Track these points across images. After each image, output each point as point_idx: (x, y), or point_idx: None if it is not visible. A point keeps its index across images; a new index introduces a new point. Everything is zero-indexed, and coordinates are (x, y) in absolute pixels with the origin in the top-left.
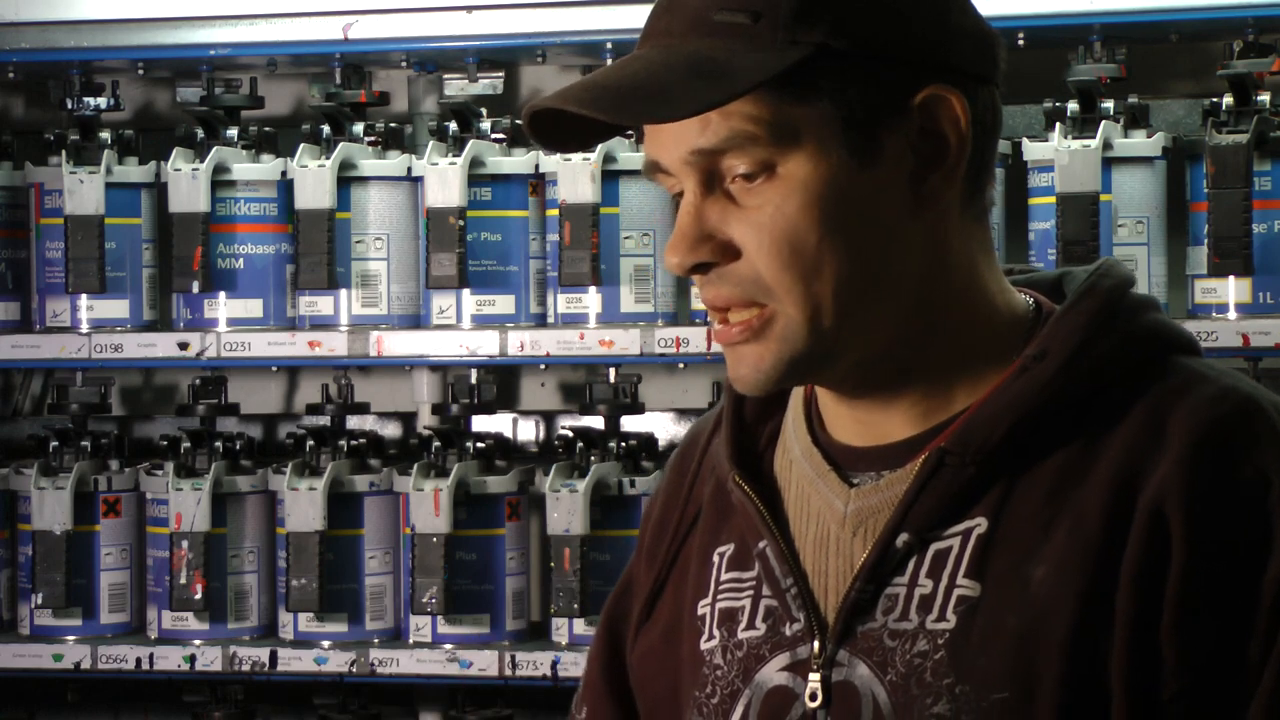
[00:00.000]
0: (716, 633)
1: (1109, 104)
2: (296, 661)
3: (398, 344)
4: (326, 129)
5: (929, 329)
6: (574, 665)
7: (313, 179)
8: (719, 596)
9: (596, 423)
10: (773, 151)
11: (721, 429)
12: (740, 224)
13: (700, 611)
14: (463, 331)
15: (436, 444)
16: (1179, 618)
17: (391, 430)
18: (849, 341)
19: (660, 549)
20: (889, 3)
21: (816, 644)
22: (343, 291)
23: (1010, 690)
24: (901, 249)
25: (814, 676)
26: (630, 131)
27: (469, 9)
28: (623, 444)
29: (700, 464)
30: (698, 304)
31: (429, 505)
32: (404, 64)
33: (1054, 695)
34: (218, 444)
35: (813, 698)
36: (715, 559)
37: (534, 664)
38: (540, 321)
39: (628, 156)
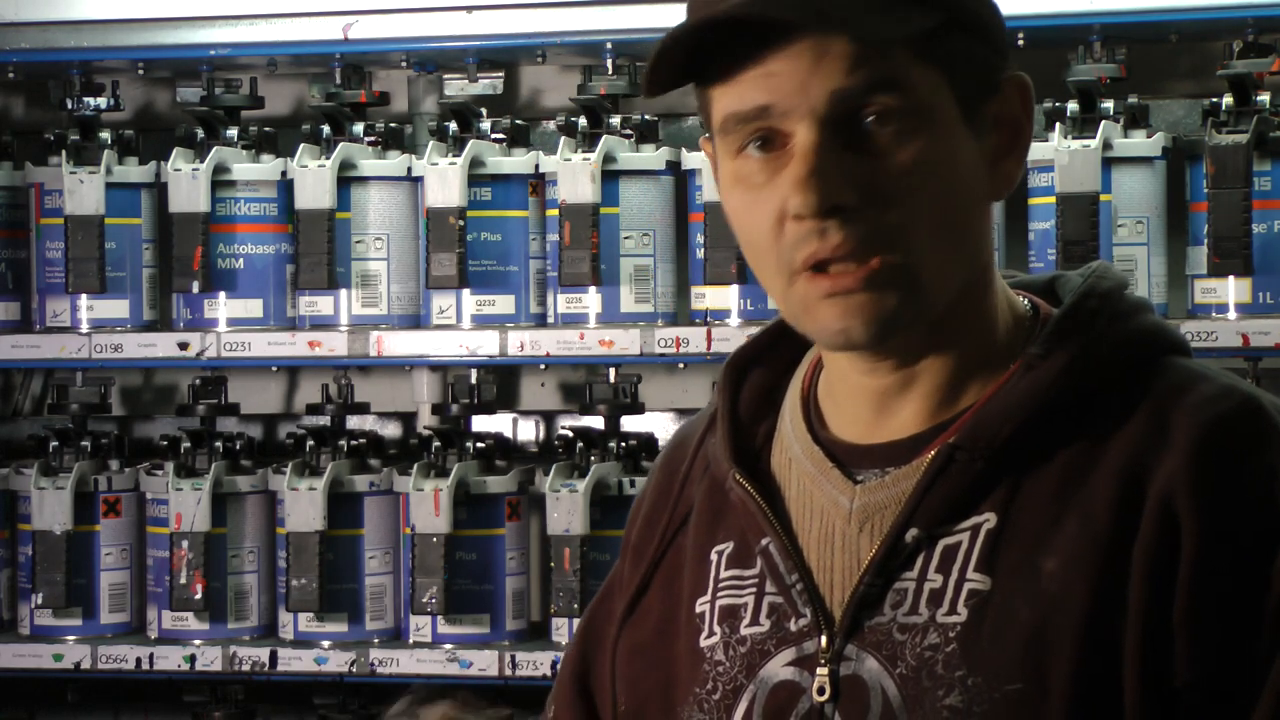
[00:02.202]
0: (718, 629)
1: (1109, 104)
2: (296, 661)
3: (398, 344)
4: (326, 129)
5: (965, 315)
6: None
7: (313, 179)
8: (719, 594)
9: (596, 423)
10: (913, 103)
11: (717, 428)
12: (882, 171)
13: (699, 609)
14: (463, 331)
15: (436, 444)
16: (1190, 609)
17: (391, 430)
18: (938, 304)
19: (647, 547)
20: None
21: (824, 639)
22: (343, 291)
23: (1023, 681)
24: (985, 227)
25: (821, 671)
26: (630, 131)
27: (469, 9)
28: (623, 444)
29: (692, 464)
30: (698, 304)
31: (429, 505)
32: (404, 64)
33: (1067, 685)
34: (218, 444)
35: (820, 692)
36: (713, 557)
37: (534, 664)
38: (540, 321)
39: (628, 156)
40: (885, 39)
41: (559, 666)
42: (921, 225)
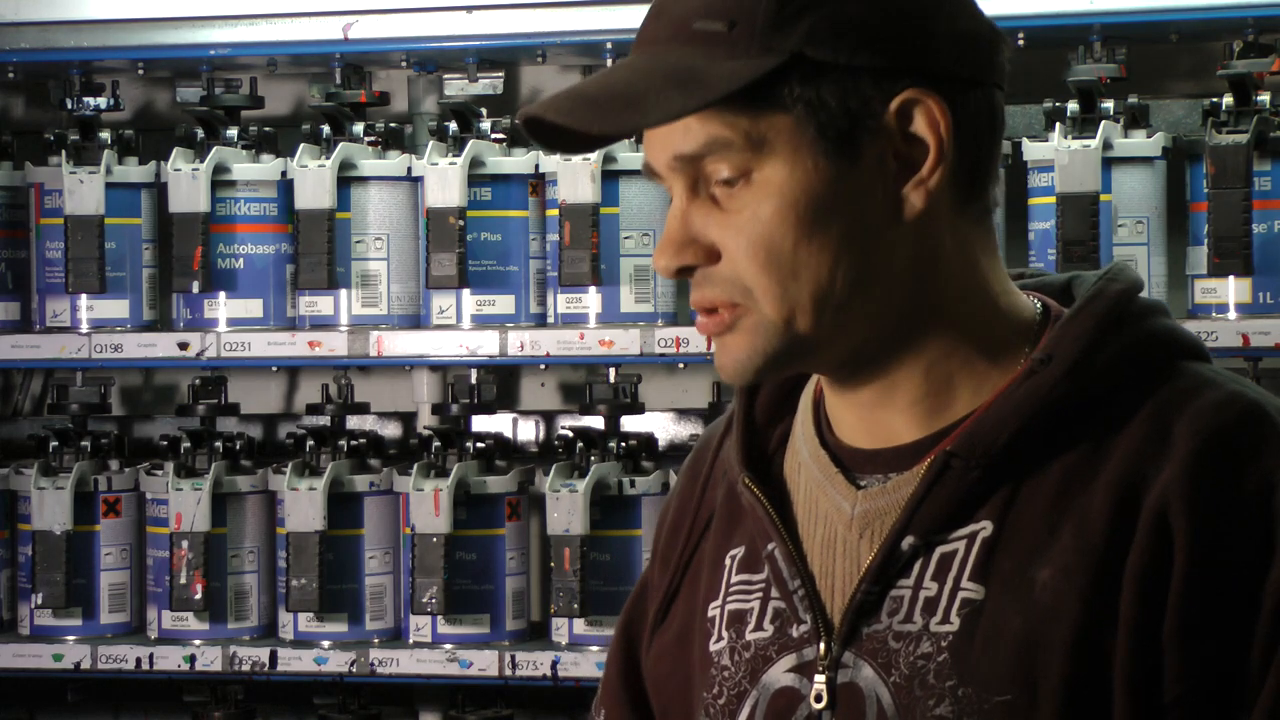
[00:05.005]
0: (725, 634)
1: (1109, 104)
2: (296, 661)
3: (398, 344)
4: (326, 129)
5: (924, 329)
6: (574, 665)
7: (313, 179)
8: (729, 598)
9: (596, 423)
10: (748, 157)
11: (732, 431)
12: (721, 227)
13: (710, 613)
14: (463, 331)
15: (436, 444)
16: (1181, 622)
17: (391, 430)
18: (829, 339)
19: (674, 553)
20: (865, 9)
21: (822, 645)
22: (343, 291)
23: (1013, 692)
24: (886, 252)
25: (819, 678)
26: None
27: (469, 9)
28: (623, 444)
29: (712, 467)
30: None
31: (429, 505)
32: (404, 64)
33: (1057, 697)
34: (218, 444)
35: (818, 699)
36: (727, 561)
37: (534, 664)
38: (540, 321)
39: (628, 157)
40: (678, 115)
41: (604, 668)
42: (764, 275)
